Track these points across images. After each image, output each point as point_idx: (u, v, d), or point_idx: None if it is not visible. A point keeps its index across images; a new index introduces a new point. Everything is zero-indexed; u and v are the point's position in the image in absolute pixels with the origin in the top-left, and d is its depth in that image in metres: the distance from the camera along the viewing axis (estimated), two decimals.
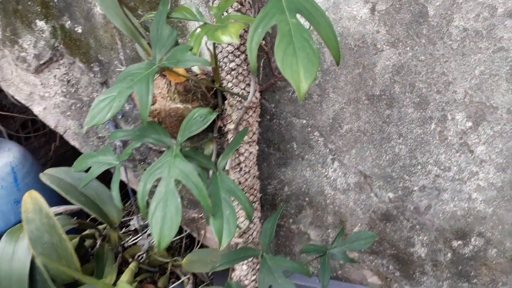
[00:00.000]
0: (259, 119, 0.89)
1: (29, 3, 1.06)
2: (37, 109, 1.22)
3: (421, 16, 0.74)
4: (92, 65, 1.08)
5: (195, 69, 0.92)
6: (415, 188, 0.88)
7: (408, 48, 0.78)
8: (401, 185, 0.89)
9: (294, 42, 0.50)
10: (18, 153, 1.26)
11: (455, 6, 0.72)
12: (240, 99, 0.85)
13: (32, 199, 0.98)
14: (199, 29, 0.65)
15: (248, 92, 0.85)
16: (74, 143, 1.22)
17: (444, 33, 0.74)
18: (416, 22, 0.75)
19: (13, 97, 1.27)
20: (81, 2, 1.00)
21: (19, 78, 1.19)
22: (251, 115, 0.87)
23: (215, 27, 0.63)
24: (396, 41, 0.78)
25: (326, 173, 0.95)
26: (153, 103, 0.82)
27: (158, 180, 0.65)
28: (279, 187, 1.00)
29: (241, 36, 0.78)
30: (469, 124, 0.79)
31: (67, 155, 1.92)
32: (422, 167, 0.86)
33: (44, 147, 2.00)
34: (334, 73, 0.85)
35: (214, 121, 0.89)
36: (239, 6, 0.78)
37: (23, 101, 1.23)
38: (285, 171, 0.99)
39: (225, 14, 0.77)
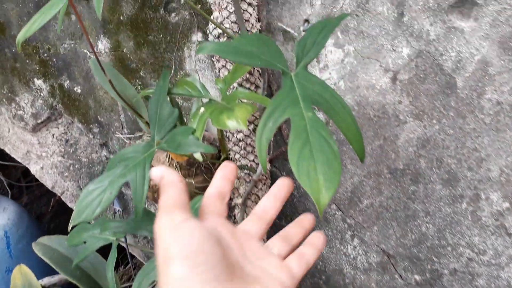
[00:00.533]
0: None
1: (27, 61, 1.01)
2: (34, 168, 1.16)
3: (449, 87, 0.67)
4: (91, 126, 1.01)
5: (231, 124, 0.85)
6: (445, 272, 0.78)
7: (434, 121, 0.70)
8: (429, 267, 0.79)
9: (311, 142, 0.42)
10: (14, 213, 1.19)
11: (487, 78, 0.65)
12: (248, 171, 0.78)
13: (22, 275, 0.90)
14: (202, 108, 0.58)
15: (257, 164, 0.78)
16: (73, 205, 1.15)
17: (475, 106, 0.66)
18: (443, 94, 0.68)
19: (9, 155, 1.21)
20: (81, 62, 0.95)
21: (16, 136, 1.13)
22: (260, 188, 0.79)
23: (220, 108, 0.56)
24: (421, 113, 0.70)
25: (345, 250, 0.86)
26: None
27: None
28: None
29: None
30: (506, 205, 0.70)
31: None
32: (453, 249, 0.76)
33: (46, 195, 1.93)
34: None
35: None
36: (248, 75, 0.71)
37: (19, 160, 1.17)
38: None
39: (232, 89, 0.71)
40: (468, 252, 0.75)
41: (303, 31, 0.72)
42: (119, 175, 0.55)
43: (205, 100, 0.71)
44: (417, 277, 0.81)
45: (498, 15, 0.61)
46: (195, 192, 0.73)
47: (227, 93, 0.62)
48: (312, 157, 0.41)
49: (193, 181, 0.73)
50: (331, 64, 0.74)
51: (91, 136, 1.03)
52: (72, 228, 0.77)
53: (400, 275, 0.82)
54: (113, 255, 0.77)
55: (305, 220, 0.47)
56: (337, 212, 0.83)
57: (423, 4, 0.64)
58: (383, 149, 0.75)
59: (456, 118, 0.68)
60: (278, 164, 0.85)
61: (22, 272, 0.89)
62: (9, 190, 1.86)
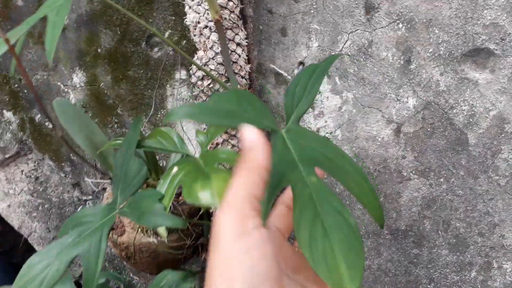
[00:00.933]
0: None
1: None
2: (0, 207, 1.06)
3: (459, 144, 0.60)
4: (63, 164, 0.93)
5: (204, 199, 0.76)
6: None
7: (442, 180, 0.62)
8: None
9: (321, 216, 0.33)
10: None
11: (503, 135, 0.57)
12: None
13: None
14: (175, 168, 0.50)
15: None
16: (41, 248, 1.04)
17: (489, 166, 0.59)
18: (452, 150, 0.61)
19: None
20: (54, 95, 0.86)
21: None
22: None
23: (194, 172, 0.47)
24: (427, 170, 0.63)
25: None
26: (121, 234, 0.66)
27: None
28: None
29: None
30: None
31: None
32: None
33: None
34: (349, 200, 0.69)
35: (197, 250, 0.72)
36: None
37: None
38: None
39: (213, 144, 0.63)
40: None
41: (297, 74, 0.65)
42: (70, 245, 0.46)
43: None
44: None
45: None
46: (168, 253, 0.64)
47: (208, 147, 0.54)
48: (327, 236, 0.32)
49: (166, 240, 0.64)
50: (327, 111, 0.66)
51: (62, 175, 0.94)
52: None
53: None
54: None
55: None
56: None
57: (433, 52, 0.58)
58: (383, 207, 0.67)
59: (467, 177, 0.61)
60: None
61: None
62: None
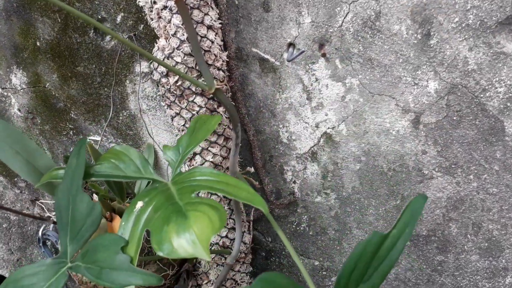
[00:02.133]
0: (252, 258, 0.62)
1: None
2: None
3: (493, 133, 0.48)
4: (15, 179, 0.79)
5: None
6: None
7: (471, 177, 0.51)
8: None
9: None
10: None
11: None
12: (219, 254, 0.58)
13: None
14: (140, 203, 0.37)
15: (232, 241, 0.58)
16: (2, 271, 0.92)
17: None
18: (485, 142, 0.49)
19: None
20: None
21: None
22: (238, 270, 0.59)
23: (165, 210, 0.35)
24: (453, 166, 0.52)
25: None
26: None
27: None
28: None
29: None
30: None
31: None
32: None
33: None
34: (359, 204, 0.58)
35: (181, 278, 0.61)
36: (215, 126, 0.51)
37: None
38: None
39: (190, 162, 0.51)
40: None
41: (288, 60, 0.52)
42: None
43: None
44: None
45: None
46: None
47: (182, 168, 0.41)
48: None
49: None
50: (328, 103, 0.54)
51: (17, 191, 0.80)
52: None
53: None
54: None
55: None
56: None
57: (459, 22, 0.45)
58: (400, 211, 0.56)
59: (503, 173, 0.50)
60: (261, 227, 0.66)
61: None
62: None
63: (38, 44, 0.63)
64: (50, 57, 0.63)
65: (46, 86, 0.66)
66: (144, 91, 0.61)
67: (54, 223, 0.66)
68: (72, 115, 0.67)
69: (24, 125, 0.71)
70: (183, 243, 0.31)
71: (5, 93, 0.70)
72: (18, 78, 0.67)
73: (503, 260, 0.55)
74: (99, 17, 0.59)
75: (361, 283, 0.27)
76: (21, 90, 0.68)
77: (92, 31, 0.60)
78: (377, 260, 0.27)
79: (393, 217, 0.58)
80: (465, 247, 0.56)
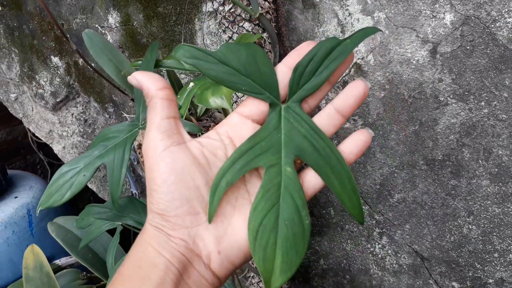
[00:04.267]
0: None
1: (43, 38, 0.98)
2: (56, 148, 1.14)
3: (503, 61, 0.54)
4: (106, 105, 0.97)
5: (213, 102, 0.77)
6: (490, 281, 0.66)
7: (483, 103, 0.57)
8: (471, 274, 0.68)
9: (280, 208, 0.34)
10: (40, 192, 1.19)
11: None
12: None
13: (34, 255, 0.89)
14: (192, 83, 0.50)
15: None
16: (92, 186, 1.12)
17: None
18: (495, 70, 0.55)
19: (34, 134, 1.20)
20: None
21: (39, 115, 1.12)
22: None
23: (207, 83, 0.48)
24: (466, 93, 0.58)
25: (372, 249, 0.76)
26: None
27: None
28: (314, 259, 0.83)
29: None
30: None
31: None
32: (500, 256, 0.64)
33: None
34: (382, 129, 0.67)
35: None
36: None
37: (43, 139, 1.16)
38: (320, 241, 0.81)
39: None
40: None
41: None
42: (96, 156, 0.49)
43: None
44: (455, 285, 0.70)
45: None
46: None
47: None
48: (276, 228, 0.33)
49: None
50: None
51: (107, 116, 0.98)
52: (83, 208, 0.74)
53: (435, 281, 0.71)
54: (115, 241, 0.72)
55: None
56: (363, 207, 0.73)
57: None
58: (418, 136, 0.64)
59: (511, 99, 0.56)
60: None
61: (34, 252, 0.87)
62: (49, 169, 1.90)
63: None
64: (138, 0, 0.79)
65: (134, 25, 0.82)
66: (208, 28, 0.74)
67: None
68: None
69: None
70: (215, 99, 0.43)
71: (103, 31, 0.87)
72: (113, 18, 0.84)
73: None
74: None
75: (313, 76, 0.36)
76: (115, 28, 0.85)
77: None
78: (328, 59, 0.35)
79: (414, 142, 0.65)
80: (477, 172, 0.62)
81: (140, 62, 0.54)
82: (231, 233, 0.33)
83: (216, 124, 0.64)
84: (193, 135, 0.46)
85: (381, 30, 0.38)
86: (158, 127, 0.34)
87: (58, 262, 1.02)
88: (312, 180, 0.36)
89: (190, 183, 0.33)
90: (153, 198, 0.33)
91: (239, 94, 0.66)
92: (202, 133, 0.66)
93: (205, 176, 0.34)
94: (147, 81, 0.35)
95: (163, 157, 0.33)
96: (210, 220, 0.33)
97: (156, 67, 0.52)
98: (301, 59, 0.36)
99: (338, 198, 0.35)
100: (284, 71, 0.37)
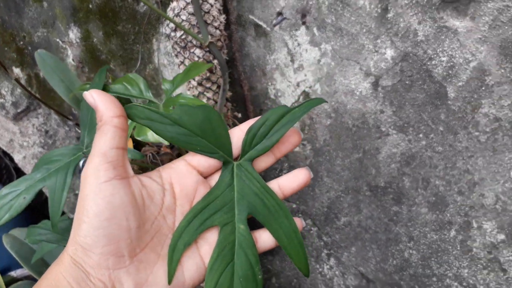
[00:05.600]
0: None
1: (5, 48, 0.97)
2: (17, 157, 1.13)
3: (439, 97, 0.57)
4: (65, 119, 0.97)
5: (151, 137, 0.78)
6: None
7: (421, 135, 0.60)
8: None
9: (234, 265, 0.36)
10: None
11: (483, 88, 0.54)
12: None
13: None
14: None
15: None
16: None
17: (469, 121, 0.56)
18: (431, 105, 0.58)
19: None
20: (53, 51, 0.89)
21: (0, 124, 1.10)
22: None
23: None
24: (406, 125, 0.61)
25: (320, 270, 0.78)
26: None
27: None
28: (266, 277, 0.84)
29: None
30: (501, 237, 0.60)
31: None
32: (439, 280, 0.67)
33: None
34: (329, 155, 0.69)
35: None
36: (208, 74, 0.64)
37: (4, 148, 1.14)
38: (272, 260, 0.82)
39: (190, 88, 0.63)
40: (456, 285, 0.66)
41: (274, 25, 0.64)
42: (38, 179, 0.49)
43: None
44: None
45: (500, 14, 0.50)
46: None
47: (172, 95, 0.55)
48: (231, 286, 0.35)
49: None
50: (307, 65, 0.65)
51: (67, 128, 0.98)
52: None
53: None
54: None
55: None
56: (312, 228, 0.75)
57: None
58: (362, 163, 0.66)
59: (446, 133, 0.58)
60: None
61: None
62: (15, 174, 1.86)
63: (90, 6, 0.79)
64: (98, 18, 0.79)
65: (94, 41, 0.82)
66: (166, 48, 0.75)
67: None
68: (111, 66, 0.83)
69: (75, 72, 0.89)
70: (154, 134, 0.45)
71: (64, 45, 0.87)
72: (74, 34, 0.84)
73: (448, 214, 0.63)
74: None
75: (264, 139, 0.38)
76: (75, 44, 0.85)
77: None
78: (278, 125, 0.38)
79: (358, 169, 0.67)
80: (416, 200, 0.64)
81: (88, 85, 0.55)
82: (152, 282, 0.33)
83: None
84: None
85: (326, 102, 0.41)
86: (105, 155, 0.32)
87: (13, 273, 1.01)
88: (267, 241, 0.38)
89: (123, 222, 0.32)
90: (81, 230, 0.31)
91: None
92: (143, 160, 0.67)
93: (138, 218, 0.33)
94: (103, 104, 0.33)
95: (102, 189, 0.31)
96: (170, 282, 0.34)
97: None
98: (254, 122, 0.38)
99: (286, 253, 0.38)
100: (238, 134, 0.39)
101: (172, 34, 0.61)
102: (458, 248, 0.64)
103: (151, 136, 0.44)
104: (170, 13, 0.61)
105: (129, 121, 0.51)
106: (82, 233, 0.31)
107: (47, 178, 0.50)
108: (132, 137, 0.69)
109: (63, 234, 0.58)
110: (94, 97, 0.33)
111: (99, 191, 0.31)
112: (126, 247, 0.32)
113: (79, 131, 0.89)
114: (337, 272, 0.76)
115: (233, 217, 0.37)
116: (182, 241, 0.35)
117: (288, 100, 0.69)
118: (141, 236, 0.34)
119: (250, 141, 0.39)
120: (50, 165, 0.51)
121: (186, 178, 0.37)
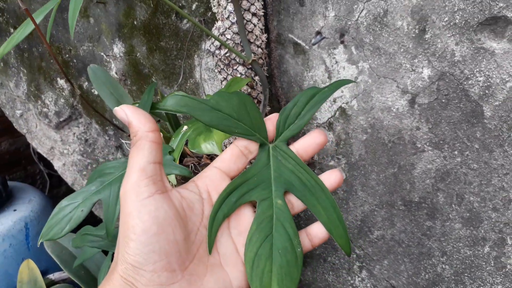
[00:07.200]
0: None
1: (51, 61, 1.03)
2: (57, 164, 1.18)
3: (475, 116, 0.58)
4: (107, 128, 1.01)
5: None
6: None
7: (456, 152, 0.62)
8: None
9: (273, 238, 0.37)
10: (38, 205, 1.23)
11: None
12: None
13: (29, 270, 0.92)
14: (185, 127, 0.55)
15: None
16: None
17: (505, 139, 0.57)
18: (467, 123, 0.59)
19: (36, 149, 1.24)
20: (98, 64, 0.94)
21: (42, 132, 1.16)
22: None
23: (200, 128, 0.52)
24: (441, 142, 0.62)
25: (352, 281, 0.79)
26: None
27: None
28: None
29: None
30: None
31: None
32: None
33: None
34: (364, 169, 0.71)
35: None
36: (249, 89, 0.67)
37: (44, 155, 1.20)
38: (304, 271, 0.84)
39: None
40: None
41: (313, 44, 0.66)
42: (93, 192, 0.53)
43: None
44: None
45: None
46: None
47: None
48: (271, 257, 0.36)
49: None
50: None
51: (107, 138, 1.03)
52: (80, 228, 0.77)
53: None
54: (107, 262, 0.76)
55: None
56: None
57: (448, 21, 0.56)
58: (397, 178, 0.68)
59: (482, 151, 0.60)
60: None
61: (29, 267, 0.90)
62: (48, 180, 1.94)
63: (135, 23, 0.84)
64: (142, 33, 0.84)
65: (137, 56, 0.87)
66: (207, 64, 0.79)
67: None
68: (153, 79, 0.87)
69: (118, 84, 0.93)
70: (207, 145, 0.48)
71: (108, 59, 0.92)
72: (118, 48, 0.89)
73: (482, 231, 0.64)
74: (180, 4, 0.77)
75: (297, 119, 0.40)
76: (119, 58, 0.90)
77: (174, 15, 0.79)
78: (310, 104, 0.40)
79: (393, 183, 0.69)
80: (450, 215, 0.66)
81: (137, 104, 0.59)
82: None
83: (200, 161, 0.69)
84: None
85: (354, 82, 0.43)
86: (144, 171, 0.32)
87: (51, 276, 1.05)
88: (318, 232, 0.38)
89: (171, 236, 0.31)
90: (129, 248, 0.30)
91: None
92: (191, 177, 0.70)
93: (184, 230, 0.33)
94: (137, 119, 0.33)
95: (145, 205, 0.31)
96: (210, 251, 0.35)
97: (152, 109, 0.56)
98: (287, 105, 0.41)
99: (325, 228, 0.38)
100: (268, 123, 0.41)
101: (217, 52, 0.65)
102: (492, 264, 0.64)
103: (204, 148, 0.47)
104: (215, 32, 0.64)
105: (181, 133, 0.54)
106: (131, 251, 0.30)
107: (102, 191, 0.53)
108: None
109: (114, 241, 0.61)
110: (126, 113, 0.33)
111: (143, 207, 0.31)
112: (176, 261, 0.32)
113: (122, 140, 0.93)
114: (368, 285, 0.77)
115: (270, 193, 0.38)
116: (221, 212, 0.36)
117: (324, 115, 0.71)
118: (188, 248, 0.33)
119: (284, 122, 0.40)
120: (103, 177, 0.55)
121: (220, 184, 0.38)
